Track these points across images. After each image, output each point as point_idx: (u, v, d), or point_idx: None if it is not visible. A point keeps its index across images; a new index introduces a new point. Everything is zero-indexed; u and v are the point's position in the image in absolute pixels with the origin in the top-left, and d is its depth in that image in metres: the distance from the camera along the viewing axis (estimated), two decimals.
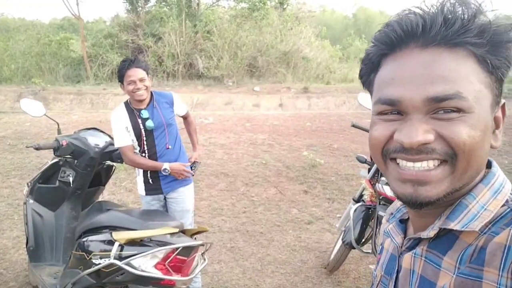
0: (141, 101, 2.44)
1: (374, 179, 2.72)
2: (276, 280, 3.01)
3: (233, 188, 4.94)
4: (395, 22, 0.58)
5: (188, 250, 1.95)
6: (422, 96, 0.55)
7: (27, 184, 2.71)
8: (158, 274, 1.88)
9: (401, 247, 0.70)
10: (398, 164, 0.60)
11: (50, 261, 2.59)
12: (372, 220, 2.69)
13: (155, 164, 2.46)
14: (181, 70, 13.46)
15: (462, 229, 0.57)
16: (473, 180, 0.59)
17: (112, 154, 2.60)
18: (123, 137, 2.43)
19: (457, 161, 0.55)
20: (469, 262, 0.54)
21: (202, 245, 2.03)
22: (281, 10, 15.96)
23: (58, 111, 9.97)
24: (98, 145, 2.55)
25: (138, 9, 14.88)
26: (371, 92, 0.66)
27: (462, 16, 0.54)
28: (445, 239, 0.60)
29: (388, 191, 2.45)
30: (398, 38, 0.58)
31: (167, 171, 2.45)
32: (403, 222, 0.75)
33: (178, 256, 1.91)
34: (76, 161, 2.52)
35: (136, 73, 2.37)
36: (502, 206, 0.57)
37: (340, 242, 2.91)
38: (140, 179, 2.59)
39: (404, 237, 0.71)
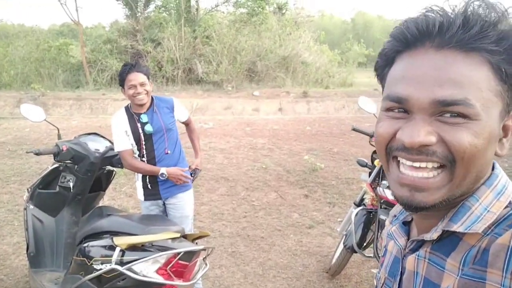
0: (141, 105, 2.44)
1: (375, 183, 2.72)
2: (278, 285, 3.00)
3: (234, 192, 4.94)
4: (413, 20, 0.58)
5: (190, 255, 1.94)
6: (429, 98, 0.54)
7: (27, 189, 2.71)
8: (159, 279, 1.87)
9: (405, 249, 0.70)
10: (399, 166, 0.60)
11: (50, 267, 2.58)
12: (374, 224, 2.69)
13: (152, 168, 2.45)
14: (181, 75, 13.50)
15: (465, 231, 0.57)
16: (473, 187, 0.59)
17: (113, 159, 2.60)
18: (123, 141, 2.43)
19: (456, 167, 0.55)
20: (473, 263, 0.54)
21: (204, 249, 2.03)
22: (280, 15, 16.05)
23: (57, 116, 9.96)
24: (98, 150, 2.56)
25: (137, 15, 14.93)
26: (383, 86, 0.66)
27: (483, 21, 0.53)
28: (448, 241, 0.60)
29: (389, 195, 2.45)
30: (413, 37, 0.57)
31: (164, 175, 2.44)
32: (406, 224, 0.75)
33: (180, 261, 1.91)
34: (76, 166, 2.52)
35: (137, 78, 2.38)
36: (505, 207, 0.57)
37: (341, 246, 2.91)
38: (139, 184, 2.58)
39: (408, 239, 0.71)
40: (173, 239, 1.98)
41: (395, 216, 0.82)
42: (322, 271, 3.18)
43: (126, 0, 14.68)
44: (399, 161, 0.60)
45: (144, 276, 1.85)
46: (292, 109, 11.22)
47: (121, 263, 1.89)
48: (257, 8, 14.72)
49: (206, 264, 2.12)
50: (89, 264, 1.99)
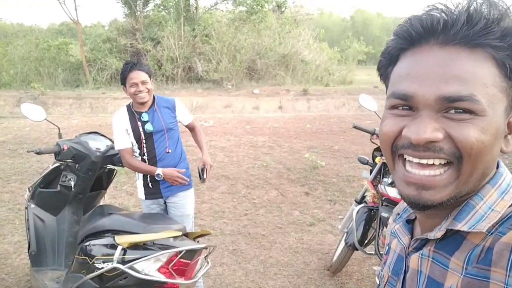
0: (142, 103, 2.45)
1: (376, 181, 2.72)
2: (279, 283, 3.01)
3: (234, 190, 4.94)
4: (417, 17, 0.58)
5: (192, 253, 1.95)
6: (435, 94, 0.54)
7: (28, 188, 2.71)
8: (161, 277, 1.88)
9: (408, 248, 0.70)
10: (405, 164, 0.60)
11: (52, 266, 2.59)
12: (375, 221, 2.69)
13: (149, 168, 2.45)
14: (180, 74, 13.49)
15: (470, 230, 0.57)
16: (479, 185, 0.59)
17: (113, 158, 2.61)
18: (123, 139, 2.44)
19: (463, 164, 0.55)
20: (476, 262, 0.54)
21: (206, 248, 2.03)
22: (279, 13, 16.02)
23: (57, 115, 9.96)
24: (99, 149, 2.56)
25: (136, 13, 14.90)
26: (386, 86, 0.66)
27: (487, 17, 0.53)
28: (452, 240, 0.60)
29: (390, 192, 2.45)
30: (418, 34, 0.57)
31: (160, 176, 2.43)
32: (410, 223, 0.75)
33: (182, 260, 1.91)
34: (77, 165, 2.53)
35: (138, 76, 2.39)
36: (510, 206, 0.57)
37: (342, 244, 2.91)
38: (140, 183, 2.59)
39: (411, 238, 0.71)
40: (175, 237, 1.98)
41: (398, 214, 0.81)
42: (323, 269, 3.19)
43: None
44: (405, 159, 0.60)
45: (146, 274, 1.86)
46: (292, 107, 11.21)
47: (123, 261, 1.89)
48: (256, 6, 14.70)
49: (207, 263, 2.13)
50: (90, 263, 1.99)
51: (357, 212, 2.73)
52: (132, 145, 2.47)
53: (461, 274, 0.56)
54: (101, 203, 2.80)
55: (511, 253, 0.50)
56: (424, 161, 0.57)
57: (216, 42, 13.35)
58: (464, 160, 0.54)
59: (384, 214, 2.49)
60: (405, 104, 0.58)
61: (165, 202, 2.63)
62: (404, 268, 0.70)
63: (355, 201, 2.93)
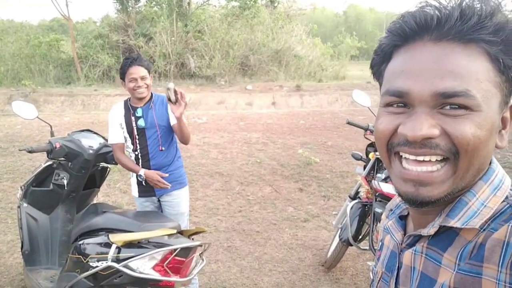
0: (140, 99, 2.46)
1: (370, 176, 2.73)
2: (274, 279, 3.02)
3: (228, 187, 4.94)
4: (410, 14, 0.58)
5: (186, 251, 1.94)
6: (430, 90, 0.54)
7: (21, 187, 2.69)
8: (156, 275, 1.88)
9: (401, 244, 0.70)
10: (401, 162, 0.60)
11: (45, 265, 2.57)
12: (369, 217, 2.71)
13: (134, 167, 2.46)
14: (173, 70, 13.43)
15: (462, 226, 0.57)
16: (475, 179, 0.59)
17: (106, 156, 2.59)
18: (116, 134, 2.45)
19: (459, 160, 0.55)
20: (469, 258, 0.55)
21: (200, 245, 2.03)
22: (272, 8, 15.99)
23: (49, 113, 9.87)
24: (92, 147, 2.54)
25: (128, 9, 14.79)
26: (380, 83, 0.66)
27: (479, 13, 0.53)
28: (445, 236, 0.60)
29: (384, 188, 2.46)
30: (411, 31, 0.57)
31: (142, 177, 2.43)
32: (403, 219, 0.75)
33: (177, 257, 1.91)
34: (70, 163, 2.51)
35: (138, 71, 2.40)
36: (502, 202, 0.58)
37: (337, 240, 2.93)
38: (133, 180, 2.58)
39: (404, 234, 0.71)
40: (169, 235, 1.98)
41: (391, 210, 0.82)
42: (318, 264, 3.20)
43: None
44: (401, 156, 0.60)
45: (141, 273, 1.85)
46: (285, 103, 11.22)
47: (118, 260, 1.88)
48: (249, 1, 14.65)
49: (202, 260, 2.13)
50: (85, 261, 1.99)
51: (351, 207, 2.74)
52: (126, 140, 2.47)
53: (454, 270, 0.56)
54: (95, 201, 2.78)
55: (503, 249, 0.50)
56: (420, 158, 0.57)
57: (209, 38, 13.30)
58: (461, 156, 0.55)
59: (378, 210, 2.51)
60: (400, 101, 0.58)
61: (159, 200, 2.63)
62: (397, 264, 0.70)
63: (349, 196, 2.94)
